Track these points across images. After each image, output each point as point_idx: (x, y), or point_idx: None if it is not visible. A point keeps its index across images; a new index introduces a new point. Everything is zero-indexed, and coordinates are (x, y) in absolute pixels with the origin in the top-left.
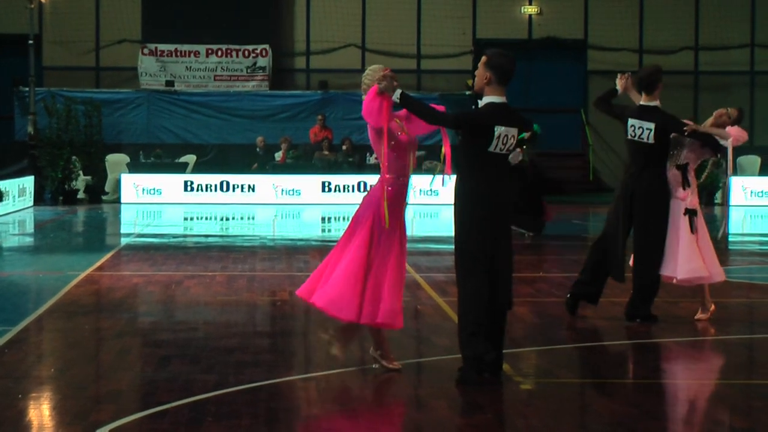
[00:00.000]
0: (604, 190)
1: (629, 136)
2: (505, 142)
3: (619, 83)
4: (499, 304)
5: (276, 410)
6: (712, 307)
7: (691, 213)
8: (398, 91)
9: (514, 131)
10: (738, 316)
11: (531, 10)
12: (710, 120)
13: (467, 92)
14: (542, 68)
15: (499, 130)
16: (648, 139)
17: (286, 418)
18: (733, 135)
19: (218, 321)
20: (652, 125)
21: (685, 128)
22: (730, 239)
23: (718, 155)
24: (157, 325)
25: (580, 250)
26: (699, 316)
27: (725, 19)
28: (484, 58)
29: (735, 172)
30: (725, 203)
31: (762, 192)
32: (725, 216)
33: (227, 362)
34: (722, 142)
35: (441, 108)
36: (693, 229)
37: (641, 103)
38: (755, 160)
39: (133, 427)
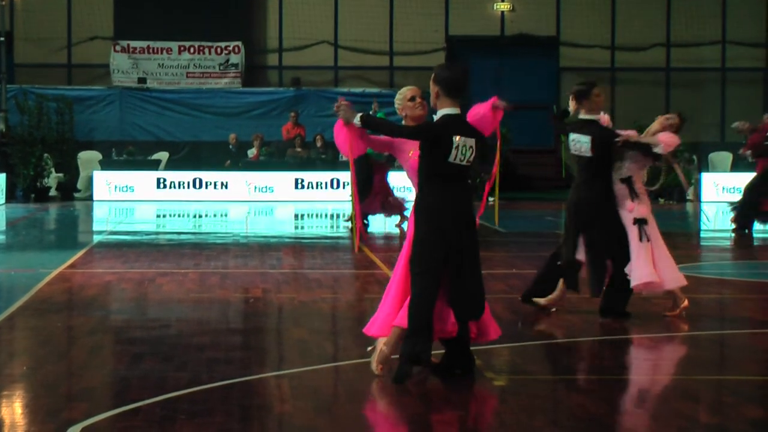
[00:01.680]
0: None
1: (572, 151)
2: (464, 152)
3: (571, 104)
4: (462, 315)
5: (249, 407)
6: (685, 302)
7: (640, 222)
8: (357, 117)
9: (472, 142)
10: (709, 312)
11: (503, 6)
12: (655, 125)
13: None
14: (514, 65)
15: (456, 140)
16: (586, 152)
17: (259, 415)
18: (664, 141)
19: (191, 318)
20: (588, 138)
21: (617, 139)
22: (702, 235)
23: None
24: (129, 322)
25: (553, 246)
26: (669, 312)
27: (697, 16)
28: (433, 75)
29: (703, 169)
30: (696, 200)
31: (733, 188)
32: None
33: (200, 359)
34: (654, 149)
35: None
36: (642, 237)
37: (580, 116)
38: (726, 157)
39: (105, 425)
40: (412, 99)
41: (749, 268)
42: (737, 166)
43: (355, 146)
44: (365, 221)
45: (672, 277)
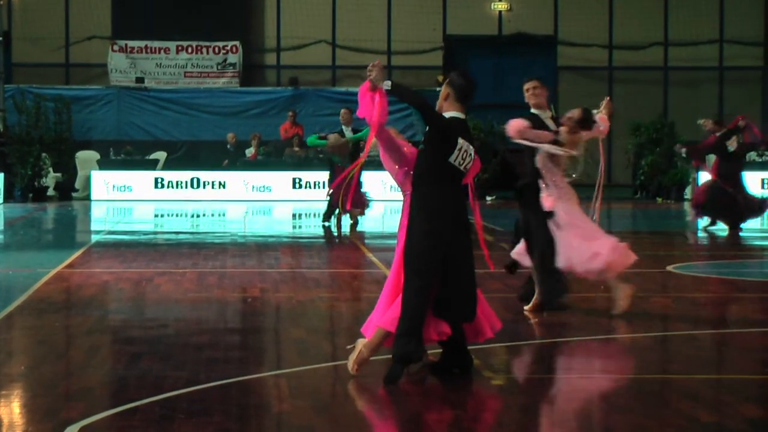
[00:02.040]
0: (574, 185)
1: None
2: (464, 157)
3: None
4: (454, 317)
5: (247, 407)
6: (621, 290)
7: (547, 215)
8: (388, 81)
9: (472, 150)
10: (707, 311)
11: (501, 6)
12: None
13: (438, 88)
14: (512, 64)
15: (461, 142)
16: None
17: (257, 414)
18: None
19: (189, 318)
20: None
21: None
22: (698, 234)
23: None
24: (127, 322)
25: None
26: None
27: (694, 15)
28: (447, 78)
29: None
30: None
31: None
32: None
33: (198, 359)
34: (544, 147)
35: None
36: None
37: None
38: None
39: (103, 425)
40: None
41: (747, 267)
42: None
43: (377, 113)
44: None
45: (600, 260)
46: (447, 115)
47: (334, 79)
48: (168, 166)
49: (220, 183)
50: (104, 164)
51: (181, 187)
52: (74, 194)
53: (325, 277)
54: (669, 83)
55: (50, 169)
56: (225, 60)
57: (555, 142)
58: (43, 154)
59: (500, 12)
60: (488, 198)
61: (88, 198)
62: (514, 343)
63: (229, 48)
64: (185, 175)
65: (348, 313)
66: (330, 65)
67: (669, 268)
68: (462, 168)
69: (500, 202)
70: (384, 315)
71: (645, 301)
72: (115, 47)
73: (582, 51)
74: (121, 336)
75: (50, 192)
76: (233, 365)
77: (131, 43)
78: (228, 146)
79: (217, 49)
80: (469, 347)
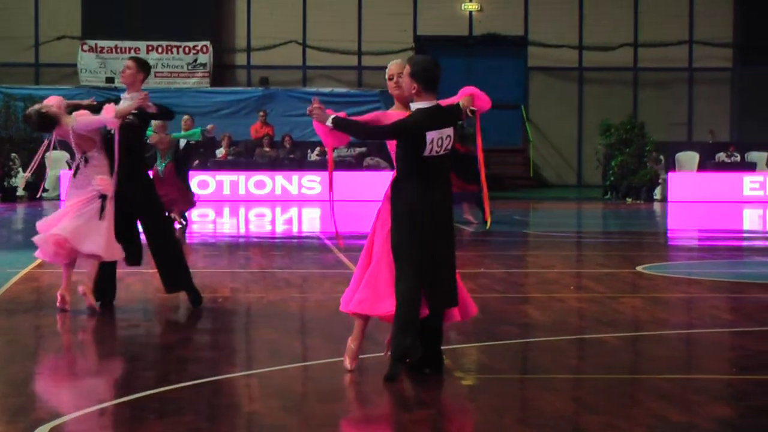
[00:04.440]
0: (545, 185)
1: None
2: (440, 144)
3: None
4: (439, 303)
5: (218, 407)
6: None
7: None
8: (329, 119)
9: (448, 131)
10: (676, 312)
11: (472, 6)
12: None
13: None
14: (483, 64)
15: (431, 135)
16: None
17: (229, 414)
18: None
19: (159, 318)
20: None
21: None
22: (669, 235)
23: None
24: (97, 322)
25: (521, 246)
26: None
27: (664, 16)
28: (407, 69)
29: (670, 169)
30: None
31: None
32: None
33: (169, 359)
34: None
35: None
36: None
37: None
38: (693, 156)
39: (74, 425)
40: (390, 78)
41: (716, 268)
42: (704, 165)
43: (333, 139)
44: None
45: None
46: (413, 107)
47: (304, 79)
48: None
49: (196, 183)
50: None
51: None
52: (44, 194)
53: (296, 277)
54: (639, 84)
55: (20, 169)
56: (195, 60)
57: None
58: (13, 154)
59: (471, 13)
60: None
61: (58, 198)
62: (484, 343)
63: (199, 48)
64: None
65: (319, 313)
66: (300, 65)
67: (639, 268)
68: (442, 152)
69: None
70: (352, 299)
71: (615, 301)
72: (85, 47)
73: (552, 52)
74: (91, 336)
75: (20, 192)
76: (204, 365)
77: (101, 43)
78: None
79: (187, 49)
80: (444, 348)
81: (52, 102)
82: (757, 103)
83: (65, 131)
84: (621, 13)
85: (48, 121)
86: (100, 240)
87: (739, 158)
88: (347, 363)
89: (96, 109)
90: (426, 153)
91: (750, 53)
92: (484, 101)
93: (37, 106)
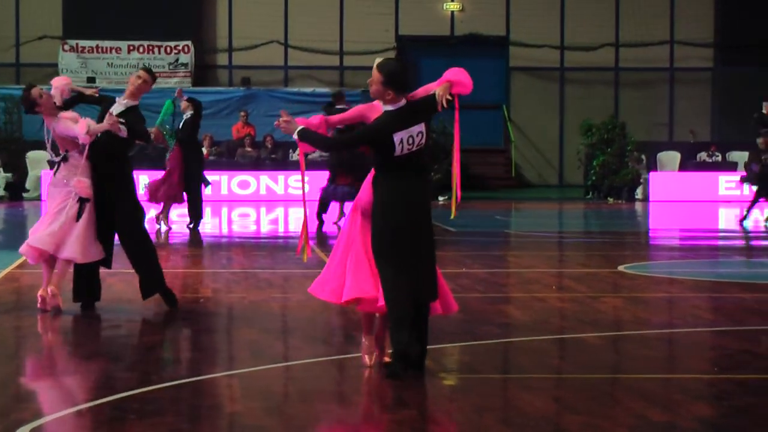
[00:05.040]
0: (526, 186)
1: None
2: (410, 142)
3: None
4: (422, 298)
5: (199, 407)
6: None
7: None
8: (296, 130)
9: (419, 128)
10: (658, 311)
11: (453, 6)
12: None
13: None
14: (464, 65)
15: (398, 135)
16: None
17: (210, 415)
18: None
19: (140, 318)
20: None
21: None
22: (650, 234)
23: None
24: (78, 322)
25: (502, 246)
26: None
27: (645, 17)
28: (379, 76)
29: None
30: (646, 198)
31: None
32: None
33: (150, 359)
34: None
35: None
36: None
37: None
38: (675, 156)
39: (54, 426)
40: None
41: (697, 267)
42: (685, 165)
43: (305, 146)
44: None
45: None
46: (384, 108)
47: (286, 79)
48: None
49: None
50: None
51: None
52: (25, 194)
53: (278, 277)
54: (620, 84)
55: (0, 170)
56: (177, 60)
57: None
58: None
59: (452, 12)
60: (440, 198)
61: (39, 198)
62: (466, 343)
63: (180, 48)
64: (137, 175)
65: (301, 314)
66: (282, 65)
67: (620, 268)
68: (415, 148)
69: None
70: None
71: (596, 301)
72: (66, 47)
73: (534, 52)
74: (72, 337)
75: (1, 192)
76: (185, 366)
77: (82, 43)
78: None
79: (168, 49)
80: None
81: (57, 84)
82: (738, 103)
83: (48, 123)
84: (602, 13)
85: (28, 102)
86: (76, 245)
87: (720, 158)
88: (365, 360)
89: (97, 101)
90: (396, 153)
91: (731, 53)
92: (463, 86)
93: (37, 87)
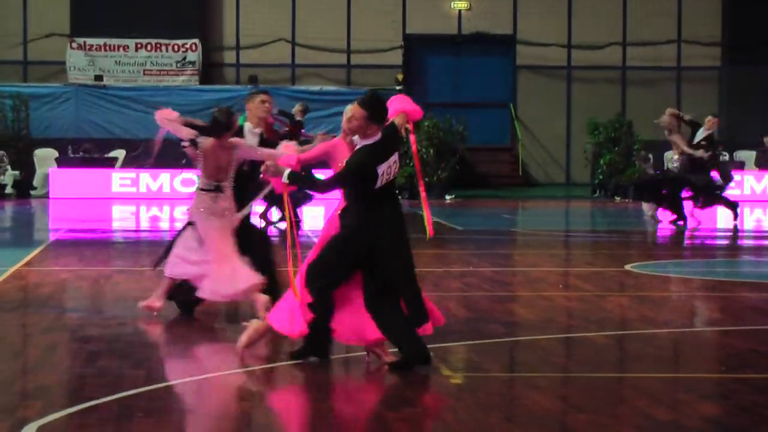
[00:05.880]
0: (533, 184)
1: None
2: (389, 172)
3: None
4: (421, 323)
5: (206, 405)
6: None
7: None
8: (285, 173)
9: (395, 157)
10: (665, 310)
11: (461, 5)
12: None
13: (397, 87)
14: (471, 63)
15: (381, 168)
16: None
17: (216, 412)
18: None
19: (148, 316)
20: None
21: None
22: (657, 233)
23: None
24: (85, 320)
25: (509, 244)
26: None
27: (652, 15)
28: (363, 112)
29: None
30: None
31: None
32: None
33: (157, 357)
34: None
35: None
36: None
37: None
38: None
39: (61, 423)
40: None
41: (704, 266)
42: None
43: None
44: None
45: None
46: (361, 143)
47: (293, 77)
48: (127, 163)
49: (179, 181)
50: (63, 162)
51: (141, 185)
52: (32, 192)
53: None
54: (627, 83)
55: (8, 167)
56: (184, 58)
57: (192, 142)
58: (1, 152)
59: (460, 11)
60: (447, 197)
61: (46, 196)
62: (472, 341)
63: (188, 46)
64: (144, 173)
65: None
66: (289, 63)
67: (627, 267)
68: (391, 177)
69: (460, 201)
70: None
71: (603, 300)
72: (74, 45)
73: (541, 50)
74: (78, 334)
75: (8, 190)
76: (192, 364)
77: (90, 41)
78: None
79: (176, 47)
80: (431, 346)
81: (170, 116)
82: (746, 102)
83: (212, 149)
84: (609, 11)
85: (230, 127)
86: (236, 281)
87: (727, 157)
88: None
89: (203, 130)
90: (378, 185)
91: (738, 52)
92: (416, 112)
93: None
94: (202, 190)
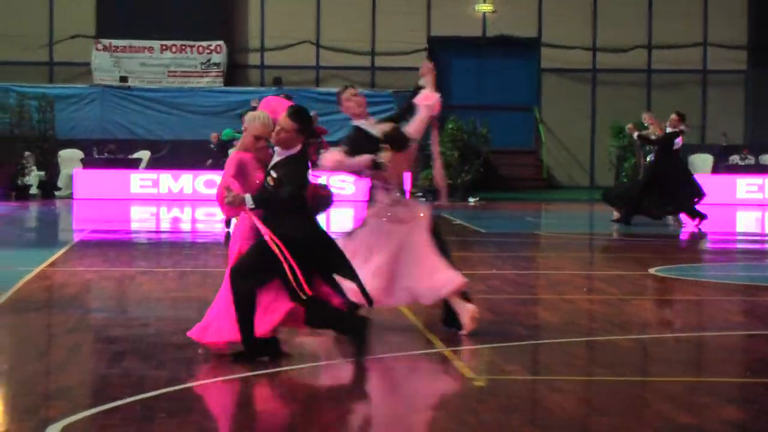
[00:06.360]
0: (557, 187)
1: None
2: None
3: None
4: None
5: (228, 406)
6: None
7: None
8: (248, 200)
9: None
10: (689, 314)
11: (485, 7)
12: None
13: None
14: (495, 66)
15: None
16: None
17: (239, 414)
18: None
19: (170, 317)
20: None
21: None
22: (681, 237)
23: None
24: (109, 321)
25: (533, 247)
26: None
27: (678, 18)
28: (294, 125)
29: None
30: None
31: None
32: None
33: (180, 358)
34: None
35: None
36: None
37: None
38: (707, 159)
39: (85, 424)
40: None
41: (728, 270)
42: (718, 168)
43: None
44: None
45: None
46: (294, 153)
47: (317, 79)
48: (151, 165)
49: (203, 182)
50: (87, 163)
51: (164, 186)
52: (57, 193)
53: None
54: (652, 86)
55: (33, 168)
56: (209, 60)
57: (375, 164)
58: (26, 153)
59: (484, 14)
60: (471, 199)
61: (71, 197)
62: (496, 344)
63: (213, 47)
64: (168, 174)
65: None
66: (314, 65)
67: (651, 270)
68: None
69: (483, 203)
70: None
71: (626, 304)
72: (99, 46)
73: (565, 53)
74: (102, 335)
75: (33, 190)
76: (215, 364)
77: (115, 42)
78: (211, 146)
79: (201, 49)
80: (451, 349)
81: (337, 156)
82: None
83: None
84: (634, 14)
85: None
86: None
87: (753, 161)
88: None
89: (395, 146)
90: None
91: (764, 55)
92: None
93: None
94: (385, 199)
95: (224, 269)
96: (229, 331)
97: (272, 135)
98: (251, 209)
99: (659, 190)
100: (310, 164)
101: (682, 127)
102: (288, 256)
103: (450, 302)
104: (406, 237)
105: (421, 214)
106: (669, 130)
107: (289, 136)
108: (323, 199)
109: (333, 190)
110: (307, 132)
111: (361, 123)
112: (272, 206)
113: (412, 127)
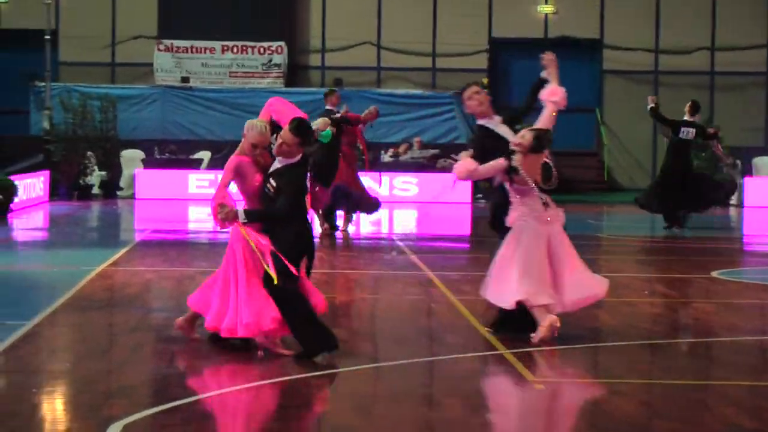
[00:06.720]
0: (618, 189)
1: None
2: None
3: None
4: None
5: (288, 407)
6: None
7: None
8: (240, 215)
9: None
10: (751, 318)
11: (547, 9)
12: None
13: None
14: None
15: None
16: None
17: (298, 414)
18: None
19: None
20: None
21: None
22: (744, 240)
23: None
24: (169, 320)
25: (595, 249)
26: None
27: (742, 20)
28: (295, 139)
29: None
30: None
31: None
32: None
33: (238, 359)
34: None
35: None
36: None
37: None
38: None
39: (145, 422)
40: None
41: None
42: None
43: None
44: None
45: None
46: (293, 162)
47: (378, 80)
48: (212, 165)
49: None
50: (149, 163)
51: None
52: (119, 193)
53: (368, 278)
54: (715, 88)
55: (95, 168)
56: (270, 60)
57: (510, 169)
58: (89, 153)
59: (546, 15)
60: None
61: (132, 197)
62: (556, 347)
63: (274, 48)
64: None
65: (390, 314)
66: (375, 66)
67: (713, 273)
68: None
69: None
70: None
71: (688, 307)
72: (161, 47)
73: (627, 55)
74: (163, 334)
75: (95, 190)
76: (275, 365)
77: (177, 43)
78: (272, 146)
79: (262, 50)
80: (512, 351)
81: (471, 165)
82: None
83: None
84: (697, 15)
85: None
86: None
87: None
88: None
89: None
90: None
91: None
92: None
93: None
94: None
95: None
96: (246, 328)
97: (274, 147)
98: (244, 223)
99: (679, 185)
100: (366, 160)
101: (687, 117)
102: (274, 249)
103: (531, 309)
104: (554, 240)
105: (561, 214)
106: (686, 118)
107: (290, 150)
108: (371, 205)
109: (396, 192)
110: (306, 144)
111: (486, 122)
112: (264, 219)
113: (542, 124)
